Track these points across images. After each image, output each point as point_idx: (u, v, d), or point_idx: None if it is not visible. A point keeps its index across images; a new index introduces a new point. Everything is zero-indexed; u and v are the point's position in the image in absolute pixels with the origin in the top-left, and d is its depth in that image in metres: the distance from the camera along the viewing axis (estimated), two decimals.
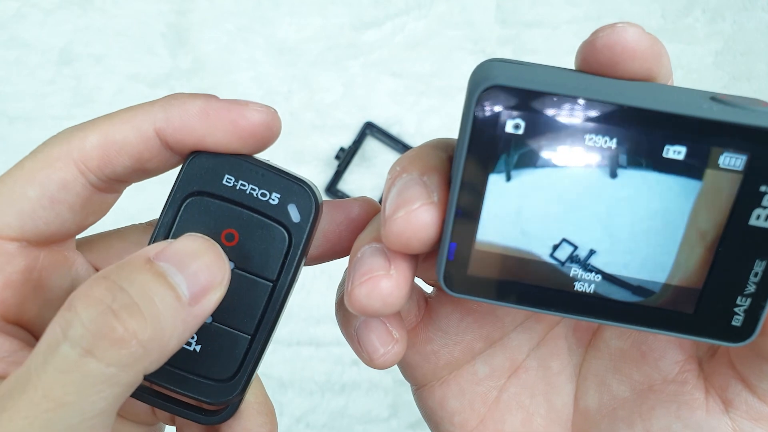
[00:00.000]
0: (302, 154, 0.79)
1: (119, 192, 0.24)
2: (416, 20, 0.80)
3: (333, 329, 0.78)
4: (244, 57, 0.80)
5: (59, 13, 0.80)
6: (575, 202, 0.20)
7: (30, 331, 0.24)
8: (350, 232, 0.25)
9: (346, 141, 0.79)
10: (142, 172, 0.23)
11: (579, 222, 0.20)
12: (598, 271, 0.21)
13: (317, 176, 0.79)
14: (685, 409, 0.23)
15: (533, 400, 0.26)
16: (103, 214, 0.24)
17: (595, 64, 0.20)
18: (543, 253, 0.20)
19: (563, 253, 0.20)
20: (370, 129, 0.79)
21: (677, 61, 0.81)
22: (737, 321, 0.20)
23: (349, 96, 0.80)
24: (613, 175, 0.19)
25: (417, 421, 0.77)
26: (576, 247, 0.20)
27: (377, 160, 0.80)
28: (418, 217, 0.20)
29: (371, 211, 0.26)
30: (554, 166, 0.20)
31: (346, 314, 0.24)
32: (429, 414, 0.27)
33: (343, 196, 0.78)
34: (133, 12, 0.80)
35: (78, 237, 0.25)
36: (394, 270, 0.21)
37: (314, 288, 0.78)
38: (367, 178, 0.80)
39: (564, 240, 0.20)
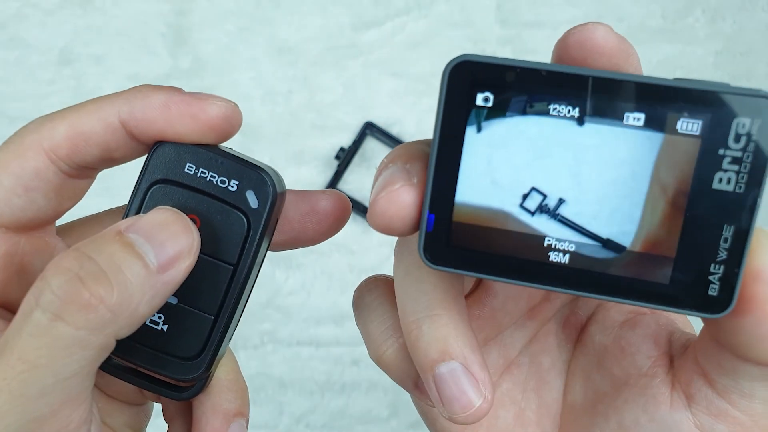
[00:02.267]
0: (302, 154, 0.79)
1: (92, 177, 0.25)
2: (416, 20, 0.80)
3: (333, 329, 0.78)
4: (244, 57, 0.80)
5: (59, 13, 0.80)
6: (543, 152, 0.21)
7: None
8: (316, 223, 0.26)
9: (346, 141, 0.79)
10: (110, 160, 0.24)
11: (547, 171, 0.21)
12: (568, 224, 0.21)
13: (317, 176, 0.79)
14: (651, 403, 0.24)
15: (525, 396, 0.27)
16: (79, 199, 0.25)
17: (567, 59, 0.21)
18: (514, 204, 0.21)
19: (533, 203, 0.21)
20: (370, 129, 0.79)
21: (677, 61, 0.81)
22: (713, 290, 0.20)
23: (349, 96, 0.80)
24: (581, 123, 0.21)
25: (417, 421, 0.77)
26: (545, 196, 0.21)
27: (377, 160, 0.80)
28: (399, 197, 0.21)
29: (339, 204, 0.26)
30: (522, 131, 0.21)
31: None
32: (426, 411, 0.27)
33: None
34: (133, 12, 0.80)
35: (58, 224, 0.26)
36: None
37: (314, 288, 0.78)
38: (367, 178, 0.80)
39: (533, 189, 0.21)
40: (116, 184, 0.71)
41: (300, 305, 0.78)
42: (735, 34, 0.81)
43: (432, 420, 0.27)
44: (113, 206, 0.28)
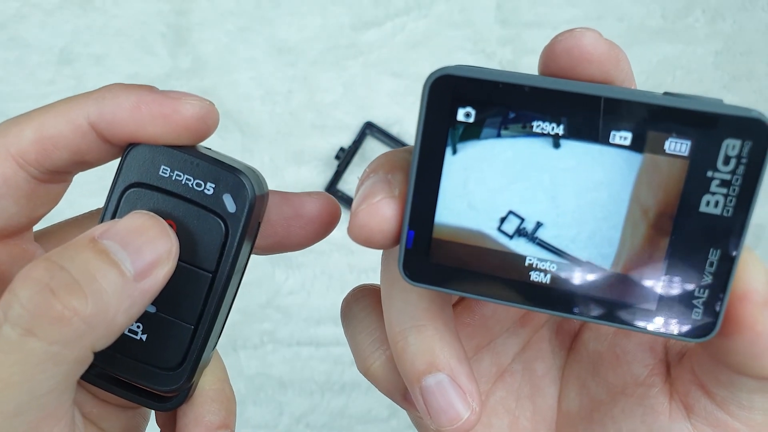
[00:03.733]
0: (302, 154, 0.79)
1: (67, 181, 0.24)
2: (416, 20, 0.80)
3: (333, 329, 0.78)
4: (244, 57, 0.80)
5: (59, 13, 0.80)
6: (521, 173, 0.20)
7: None
8: (300, 228, 0.25)
9: (346, 141, 0.79)
10: (83, 163, 0.23)
11: (525, 193, 0.20)
12: (547, 247, 0.20)
13: (317, 176, 0.79)
14: (649, 414, 0.23)
15: (519, 403, 0.27)
16: (54, 204, 0.24)
17: (555, 68, 0.21)
18: (492, 228, 0.21)
19: (510, 226, 0.20)
20: (370, 129, 0.79)
21: (677, 61, 0.81)
22: (697, 314, 0.19)
23: (349, 96, 0.80)
24: (557, 146, 0.20)
25: None
26: (523, 219, 0.20)
27: None
28: (379, 210, 0.20)
29: (326, 208, 0.25)
30: (503, 147, 0.20)
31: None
32: (420, 423, 0.27)
33: (343, 196, 0.78)
34: (133, 12, 0.80)
35: (36, 229, 0.25)
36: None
37: (314, 288, 0.78)
38: None
39: (510, 212, 0.20)
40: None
41: (300, 305, 0.78)
42: (735, 34, 0.81)
43: (425, 429, 0.27)
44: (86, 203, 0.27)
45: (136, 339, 0.23)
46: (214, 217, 0.23)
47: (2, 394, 0.18)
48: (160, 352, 0.24)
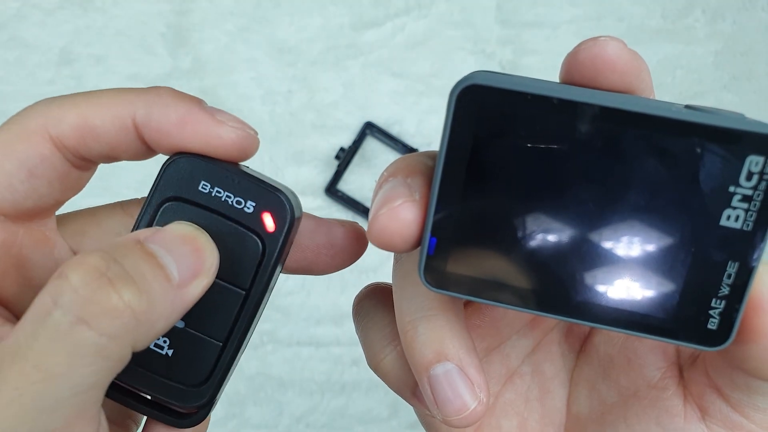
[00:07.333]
0: (302, 154, 0.79)
1: (93, 170, 0.24)
2: (416, 20, 0.80)
3: (333, 329, 0.78)
4: (244, 57, 0.80)
5: (59, 13, 0.80)
6: (549, 185, 0.20)
7: (9, 310, 0.23)
8: (330, 257, 0.25)
9: (346, 141, 0.79)
10: (114, 157, 0.23)
11: (552, 212, 0.20)
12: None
13: (317, 176, 0.79)
14: (664, 416, 0.23)
15: (528, 405, 0.27)
16: (79, 190, 0.24)
17: (577, 75, 0.21)
18: (517, 244, 0.21)
19: (536, 243, 0.20)
20: (370, 129, 0.79)
21: (677, 61, 0.81)
22: (713, 324, 0.20)
23: (349, 96, 0.80)
24: (582, 159, 0.20)
25: (417, 421, 0.77)
26: (548, 233, 0.20)
27: (377, 160, 0.80)
28: (400, 214, 0.20)
29: (357, 239, 0.26)
30: (529, 160, 0.20)
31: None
32: (428, 421, 0.27)
33: (343, 196, 0.78)
34: (133, 12, 0.80)
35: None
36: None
37: (314, 288, 0.78)
38: (367, 178, 0.80)
39: (536, 226, 0.20)
40: (117, 184, 0.71)
41: (300, 305, 0.78)
42: (735, 34, 0.81)
43: (435, 429, 0.27)
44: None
45: (162, 354, 0.23)
46: (252, 235, 0.23)
47: (44, 386, 0.18)
48: (186, 369, 0.23)
